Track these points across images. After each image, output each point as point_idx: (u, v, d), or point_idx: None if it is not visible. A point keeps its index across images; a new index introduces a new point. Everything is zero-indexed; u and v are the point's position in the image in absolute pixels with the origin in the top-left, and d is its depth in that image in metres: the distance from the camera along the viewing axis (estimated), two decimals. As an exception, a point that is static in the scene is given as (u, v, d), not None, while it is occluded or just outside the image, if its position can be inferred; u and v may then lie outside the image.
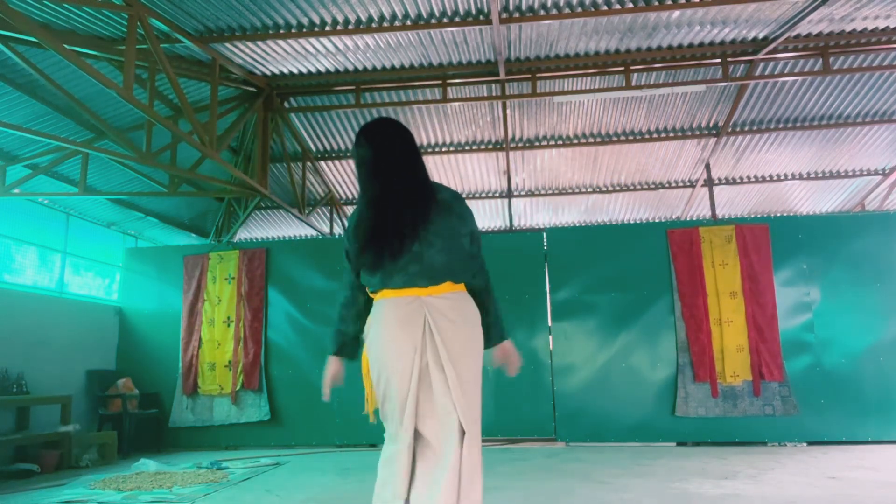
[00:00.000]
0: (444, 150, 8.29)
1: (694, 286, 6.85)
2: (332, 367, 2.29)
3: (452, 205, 2.13)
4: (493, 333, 2.27)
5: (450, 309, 2.07)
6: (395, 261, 2.04)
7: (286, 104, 7.25)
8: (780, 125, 7.86)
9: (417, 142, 7.94)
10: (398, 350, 2.03)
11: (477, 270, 2.21)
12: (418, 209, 2.06)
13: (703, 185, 9.10)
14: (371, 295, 2.18)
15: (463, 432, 1.98)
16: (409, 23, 5.63)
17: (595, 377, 6.92)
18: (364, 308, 2.25)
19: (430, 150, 8.28)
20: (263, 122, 7.04)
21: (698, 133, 8.03)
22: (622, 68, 6.64)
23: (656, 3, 5.46)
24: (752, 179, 9.23)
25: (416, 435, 2.01)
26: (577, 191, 9.49)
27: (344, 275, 2.28)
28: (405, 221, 2.04)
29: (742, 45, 6.33)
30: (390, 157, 2.13)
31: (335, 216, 9.88)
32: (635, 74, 6.76)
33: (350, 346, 2.30)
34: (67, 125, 6.40)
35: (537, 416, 6.91)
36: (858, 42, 6.34)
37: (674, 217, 10.34)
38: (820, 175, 9.04)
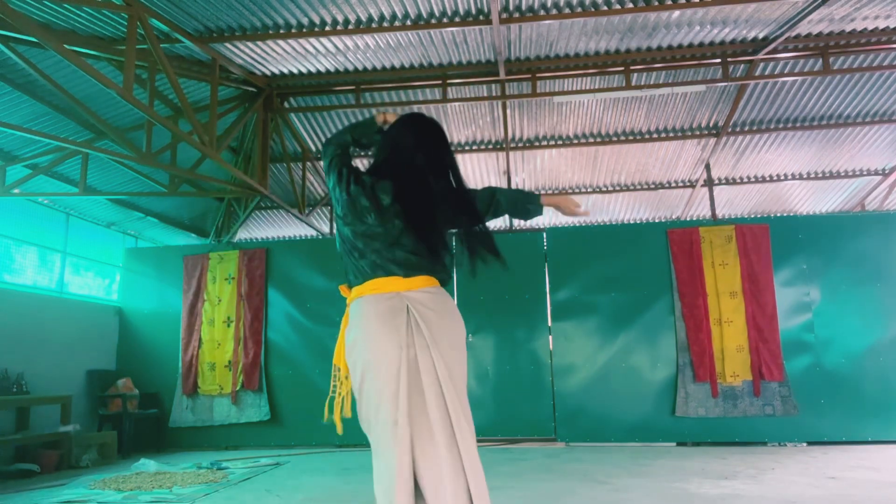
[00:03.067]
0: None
1: (694, 286, 6.85)
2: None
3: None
4: (525, 199, 2.32)
5: (431, 301, 2.02)
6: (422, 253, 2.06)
7: (286, 104, 7.25)
8: (780, 125, 7.86)
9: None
10: (382, 347, 1.92)
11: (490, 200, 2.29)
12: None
13: (703, 185, 9.10)
14: (345, 293, 2.14)
15: (453, 430, 1.88)
16: (409, 23, 5.63)
17: (595, 377, 6.92)
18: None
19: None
20: (263, 122, 7.04)
21: (698, 133, 8.03)
22: (622, 68, 6.64)
23: (656, 3, 5.46)
24: (752, 179, 9.22)
25: (413, 440, 1.87)
26: (577, 191, 9.48)
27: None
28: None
29: (742, 45, 6.33)
30: (444, 157, 2.20)
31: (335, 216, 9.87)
32: (635, 74, 6.75)
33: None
34: (67, 125, 6.40)
35: (537, 416, 6.91)
36: (858, 42, 6.33)
37: (674, 217, 10.34)
38: (820, 175, 9.03)
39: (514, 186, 9.37)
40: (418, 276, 2.04)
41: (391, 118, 2.33)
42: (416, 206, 2.06)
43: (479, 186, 9.98)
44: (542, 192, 9.53)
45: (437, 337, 1.95)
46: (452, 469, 1.83)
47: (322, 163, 2.27)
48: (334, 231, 10.49)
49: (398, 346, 1.92)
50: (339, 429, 2.11)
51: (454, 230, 2.19)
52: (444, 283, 2.15)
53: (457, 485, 1.82)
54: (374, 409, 1.93)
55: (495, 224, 10.56)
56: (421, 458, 1.85)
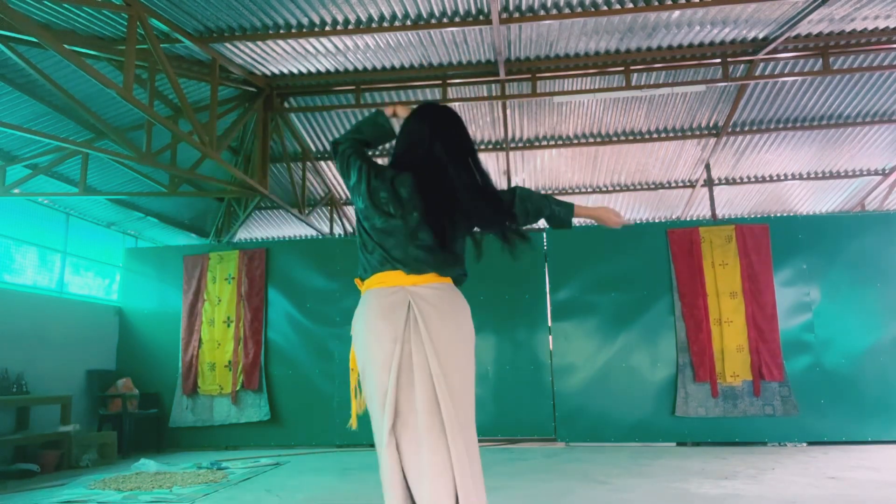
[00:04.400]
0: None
1: (694, 286, 6.85)
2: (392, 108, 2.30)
3: None
4: (558, 212, 2.23)
5: (435, 297, 1.98)
6: (436, 247, 2.02)
7: (286, 104, 7.25)
8: (780, 125, 7.86)
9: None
10: (379, 340, 1.94)
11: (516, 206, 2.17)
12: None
13: (703, 185, 9.10)
14: (360, 286, 2.13)
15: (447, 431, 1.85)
16: (409, 23, 5.63)
17: (595, 377, 6.92)
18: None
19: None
20: (263, 122, 7.04)
21: (698, 133, 8.03)
22: (622, 68, 6.64)
23: (656, 3, 5.46)
24: (752, 179, 9.23)
25: (399, 435, 1.89)
26: (577, 191, 9.48)
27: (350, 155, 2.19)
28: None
29: (742, 45, 6.33)
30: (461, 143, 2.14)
31: (335, 216, 9.87)
32: (635, 74, 6.75)
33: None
34: (67, 125, 6.40)
35: (537, 416, 6.91)
36: (858, 42, 6.33)
37: (674, 217, 10.34)
38: (820, 175, 9.03)
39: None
40: (427, 273, 2.01)
41: (402, 111, 2.28)
42: (434, 197, 2.03)
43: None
44: (541, 191, 9.52)
45: (434, 334, 1.93)
46: (434, 467, 1.82)
47: (335, 164, 2.20)
48: (334, 231, 10.51)
49: (393, 341, 1.92)
50: (353, 423, 2.11)
51: (478, 226, 2.14)
52: (459, 281, 2.13)
53: (438, 484, 1.80)
54: (370, 402, 1.96)
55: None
56: (406, 453, 1.87)
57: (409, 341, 1.93)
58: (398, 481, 1.85)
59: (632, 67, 6.62)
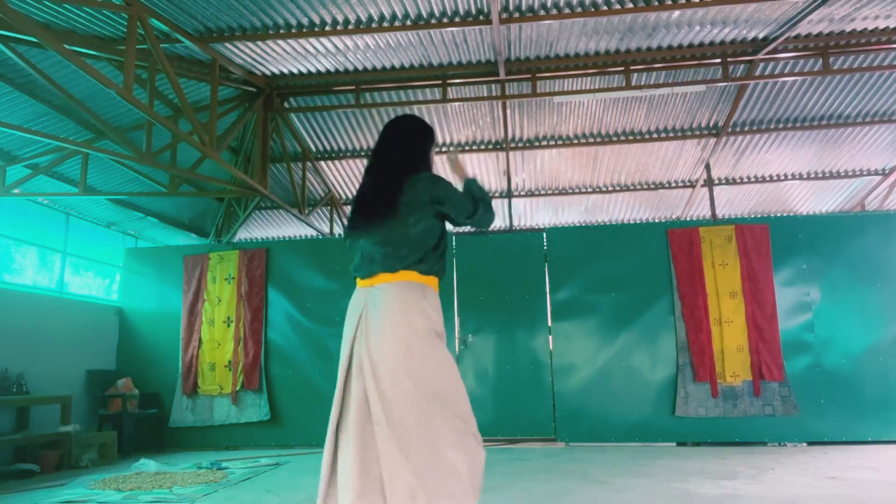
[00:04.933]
0: (444, 150, 8.29)
1: (694, 286, 6.85)
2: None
3: (431, 191, 2.22)
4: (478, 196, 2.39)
5: (378, 297, 2.11)
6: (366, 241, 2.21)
7: (286, 104, 7.25)
8: (780, 125, 7.86)
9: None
10: (343, 339, 2.17)
11: (472, 214, 2.32)
12: (379, 203, 2.20)
13: (703, 185, 9.10)
14: None
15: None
16: (409, 23, 5.63)
17: (595, 377, 6.92)
18: None
19: (430, 150, 8.27)
20: (263, 122, 7.04)
21: (698, 133, 8.03)
22: (622, 68, 6.64)
23: (656, 3, 5.46)
24: (752, 179, 9.23)
25: (340, 429, 2.08)
26: (577, 191, 9.49)
27: None
28: (372, 214, 2.20)
29: (742, 45, 6.33)
30: (381, 151, 2.33)
31: (335, 216, 9.88)
32: (635, 74, 6.75)
33: None
34: (67, 125, 6.40)
35: (537, 416, 6.91)
36: (858, 42, 6.34)
37: (674, 217, 10.34)
38: (820, 175, 9.03)
39: (514, 187, 9.38)
40: (376, 275, 2.16)
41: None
42: (357, 199, 2.26)
43: (483, 187, 9.93)
44: (541, 191, 9.53)
45: (369, 333, 2.07)
46: (355, 461, 1.96)
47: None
48: (334, 231, 10.52)
49: (346, 341, 2.14)
50: None
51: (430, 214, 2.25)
52: (428, 270, 2.18)
53: (354, 477, 1.95)
54: None
55: (495, 224, 10.57)
56: (340, 446, 2.07)
57: (356, 341, 2.11)
58: (327, 468, 2.05)
59: (632, 67, 6.62)
